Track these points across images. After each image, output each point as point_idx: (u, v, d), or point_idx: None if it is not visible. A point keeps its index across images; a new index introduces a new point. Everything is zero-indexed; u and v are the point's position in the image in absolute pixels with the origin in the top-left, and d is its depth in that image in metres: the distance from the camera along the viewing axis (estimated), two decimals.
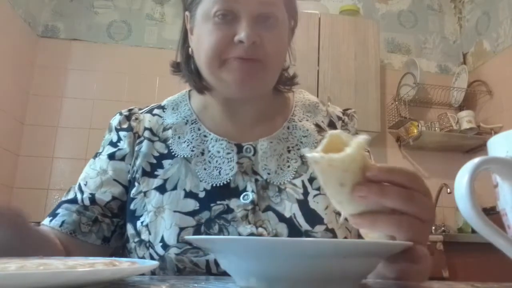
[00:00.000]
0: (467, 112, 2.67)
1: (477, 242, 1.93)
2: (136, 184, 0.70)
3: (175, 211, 0.66)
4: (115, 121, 0.79)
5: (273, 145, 0.73)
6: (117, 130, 0.77)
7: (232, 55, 0.66)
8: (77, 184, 0.74)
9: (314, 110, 0.82)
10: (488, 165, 0.32)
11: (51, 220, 0.69)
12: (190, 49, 0.74)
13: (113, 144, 0.76)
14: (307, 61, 2.46)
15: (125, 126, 0.77)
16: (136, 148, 0.74)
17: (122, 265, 0.35)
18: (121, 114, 0.79)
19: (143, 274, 0.36)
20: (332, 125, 0.80)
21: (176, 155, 0.72)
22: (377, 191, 0.40)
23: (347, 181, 0.40)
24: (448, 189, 2.52)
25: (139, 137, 0.75)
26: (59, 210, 0.71)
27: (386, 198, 0.41)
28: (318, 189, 0.69)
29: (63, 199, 0.73)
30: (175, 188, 0.68)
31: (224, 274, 0.49)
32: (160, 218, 0.66)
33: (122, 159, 0.74)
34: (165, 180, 0.70)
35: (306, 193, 0.69)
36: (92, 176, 0.73)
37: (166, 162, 0.71)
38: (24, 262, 0.35)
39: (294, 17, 0.78)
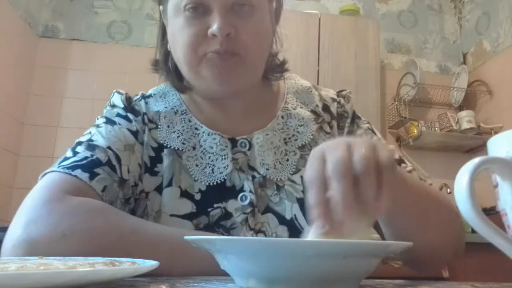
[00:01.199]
0: (467, 112, 2.67)
1: (477, 242, 1.92)
2: (139, 181, 0.64)
3: (171, 215, 0.62)
4: (116, 99, 0.71)
5: (269, 137, 0.69)
6: (125, 110, 0.69)
7: (208, 49, 0.62)
8: (100, 142, 0.62)
9: (308, 95, 0.77)
10: (488, 165, 0.32)
11: (91, 178, 0.57)
12: (168, 46, 0.69)
13: (127, 119, 0.67)
14: (307, 61, 2.46)
15: (130, 107, 0.69)
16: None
17: (122, 265, 0.35)
18: (120, 93, 0.72)
19: (143, 274, 0.36)
20: (326, 110, 0.75)
21: (167, 146, 0.66)
22: (348, 201, 0.38)
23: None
24: (448, 189, 2.52)
25: (143, 123, 0.68)
26: (99, 170, 0.58)
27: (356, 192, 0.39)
28: None
29: (87, 153, 0.59)
30: (170, 184, 0.64)
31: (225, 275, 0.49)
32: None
33: (142, 143, 0.67)
34: (162, 176, 0.65)
35: (306, 190, 0.66)
36: (120, 148, 0.63)
37: (163, 154, 0.66)
38: (24, 262, 0.35)
39: None
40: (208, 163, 0.66)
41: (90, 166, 0.58)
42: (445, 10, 3.10)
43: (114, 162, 0.60)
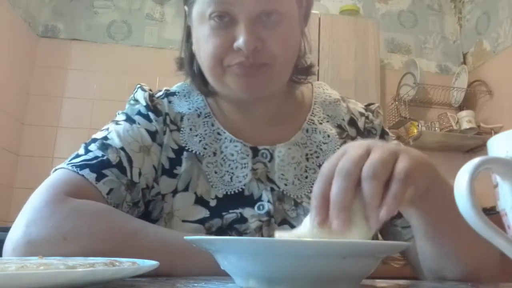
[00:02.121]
0: (467, 112, 2.67)
1: None
2: (154, 183, 0.64)
3: (183, 221, 0.61)
4: (139, 95, 0.68)
5: (291, 152, 0.67)
6: (147, 109, 0.67)
7: (233, 61, 0.60)
8: (114, 142, 0.60)
9: (335, 107, 0.74)
10: (488, 165, 0.32)
11: (97, 179, 0.56)
12: (193, 47, 0.68)
13: (147, 118, 0.66)
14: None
15: (152, 106, 0.67)
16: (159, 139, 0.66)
17: (122, 265, 0.35)
18: (143, 89, 0.69)
19: (143, 274, 0.36)
20: (352, 124, 0.73)
21: (188, 149, 0.65)
22: (341, 199, 0.38)
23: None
24: None
25: (163, 124, 0.67)
26: (107, 172, 0.57)
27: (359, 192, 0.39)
28: None
29: (98, 152, 0.58)
30: (186, 189, 0.63)
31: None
32: (168, 227, 0.61)
33: (161, 144, 0.65)
34: (179, 179, 0.64)
35: None
36: (135, 149, 0.62)
37: (182, 157, 0.65)
38: (24, 262, 0.35)
39: None
40: (228, 171, 0.65)
41: (99, 167, 0.57)
42: (445, 10, 3.10)
43: (125, 164, 0.59)
